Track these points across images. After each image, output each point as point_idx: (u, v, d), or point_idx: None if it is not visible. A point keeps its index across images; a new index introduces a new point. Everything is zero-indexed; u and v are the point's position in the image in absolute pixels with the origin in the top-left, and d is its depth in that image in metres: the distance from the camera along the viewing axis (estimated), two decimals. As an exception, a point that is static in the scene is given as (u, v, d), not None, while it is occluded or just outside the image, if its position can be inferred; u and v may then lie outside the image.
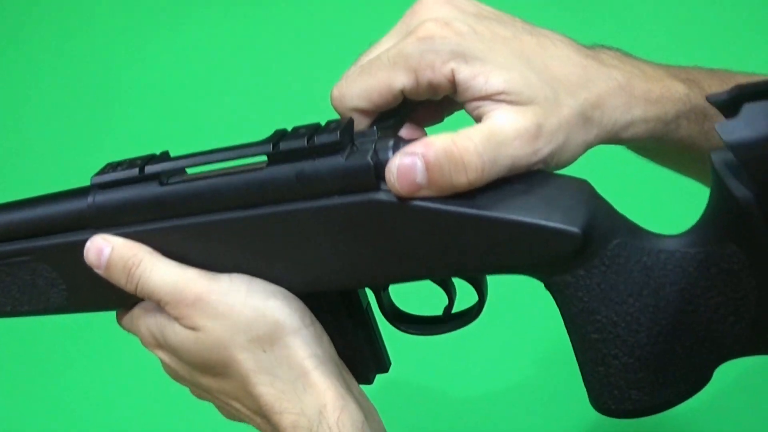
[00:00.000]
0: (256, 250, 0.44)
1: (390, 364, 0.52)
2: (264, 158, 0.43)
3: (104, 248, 0.45)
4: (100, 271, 0.46)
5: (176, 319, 0.46)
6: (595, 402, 0.45)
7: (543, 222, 0.41)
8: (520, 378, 0.86)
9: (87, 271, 0.47)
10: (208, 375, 0.47)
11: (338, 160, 0.41)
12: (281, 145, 0.42)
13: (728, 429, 0.81)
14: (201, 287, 0.45)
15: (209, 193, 0.44)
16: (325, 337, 0.46)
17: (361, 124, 0.43)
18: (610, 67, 0.44)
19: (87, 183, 0.47)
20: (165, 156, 0.46)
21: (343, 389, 0.45)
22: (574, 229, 0.40)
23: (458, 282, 0.48)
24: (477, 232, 0.41)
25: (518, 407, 0.85)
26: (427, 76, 0.41)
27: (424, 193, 0.40)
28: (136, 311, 0.49)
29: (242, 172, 0.44)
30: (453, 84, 0.41)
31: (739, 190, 0.39)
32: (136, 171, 0.45)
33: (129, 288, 0.46)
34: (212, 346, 0.45)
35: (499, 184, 0.42)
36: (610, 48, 0.46)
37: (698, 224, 0.42)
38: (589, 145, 0.43)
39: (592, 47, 0.46)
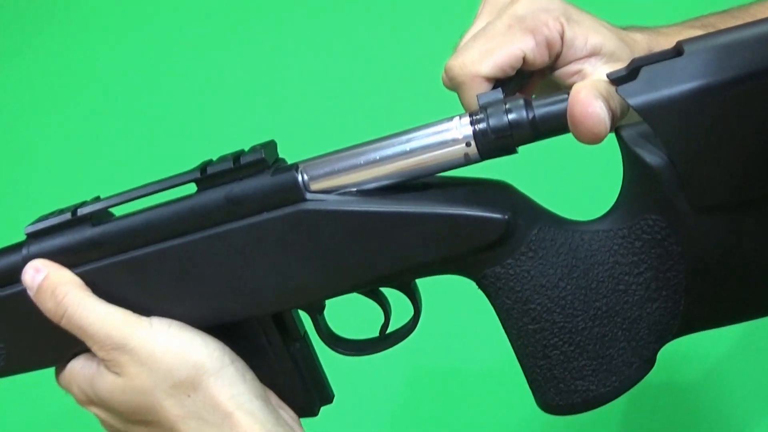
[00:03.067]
0: (192, 277, 0.44)
1: (333, 395, 0.50)
2: (194, 189, 0.44)
3: (39, 272, 0.45)
4: (31, 293, 0.45)
5: (103, 361, 0.45)
6: (541, 400, 0.44)
7: (468, 212, 0.41)
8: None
9: (26, 322, 0.46)
10: (140, 424, 0.46)
11: (265, 177, 0.42)
12: (208, 170, 0.43)
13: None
14: (125, 332, 0.44)
15: (142, 226, 0.44)
16: (249, 374, 0.46)
17: (482, 90, 0.42)
18: (637, 33, 0.47)
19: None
20: (95, 199, 0.46)
21: (270, 424, 0.44)
22: (499, 216, 0.41)
23: (393, 301, 0.47)
24: (403, 229, 0.41)
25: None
26: (544, 33, 0.42)
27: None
28: (67, 371, 0.48)
29: (173, 202, 0.44)
30: (562, 42, 0.42)
31: (651, 155, 0.40)
32: (68, 215, 0.45)
33: (56, 318, 0.45)
34: (138, 392, 0.44)
35: (420, 186, 0.43)
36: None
37: (616, 204, 0.43)
38: None
39: None
